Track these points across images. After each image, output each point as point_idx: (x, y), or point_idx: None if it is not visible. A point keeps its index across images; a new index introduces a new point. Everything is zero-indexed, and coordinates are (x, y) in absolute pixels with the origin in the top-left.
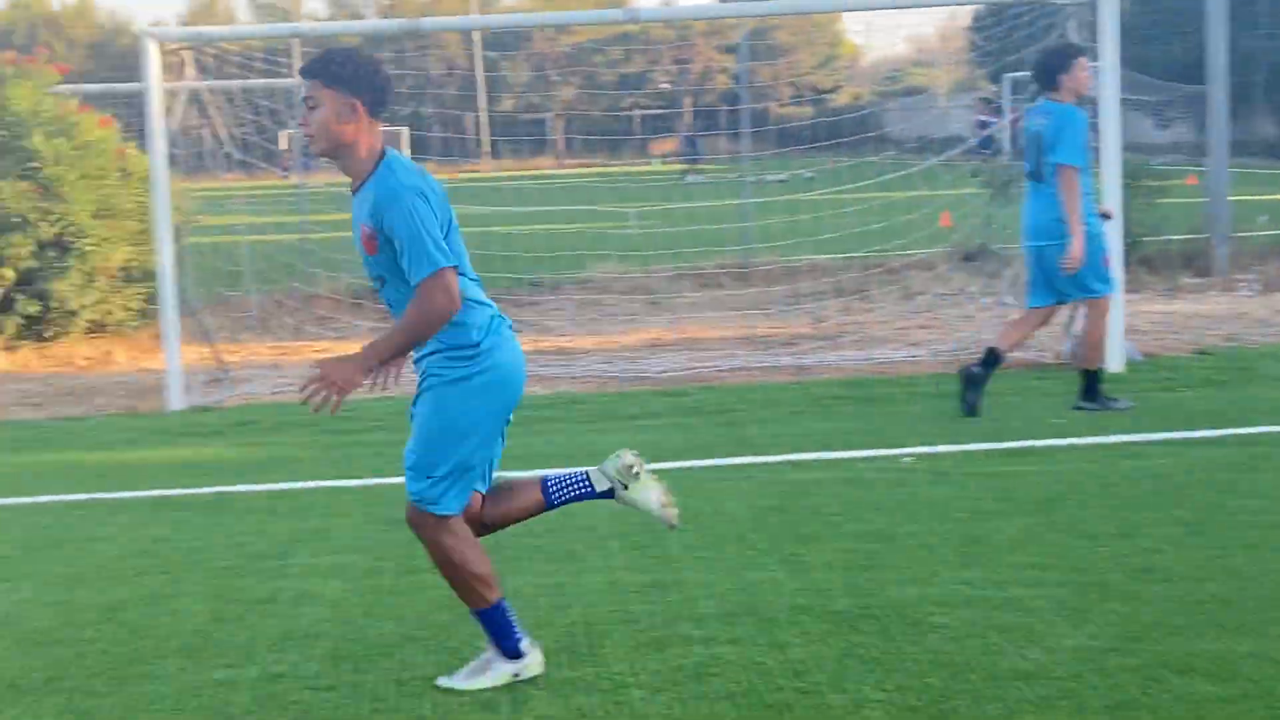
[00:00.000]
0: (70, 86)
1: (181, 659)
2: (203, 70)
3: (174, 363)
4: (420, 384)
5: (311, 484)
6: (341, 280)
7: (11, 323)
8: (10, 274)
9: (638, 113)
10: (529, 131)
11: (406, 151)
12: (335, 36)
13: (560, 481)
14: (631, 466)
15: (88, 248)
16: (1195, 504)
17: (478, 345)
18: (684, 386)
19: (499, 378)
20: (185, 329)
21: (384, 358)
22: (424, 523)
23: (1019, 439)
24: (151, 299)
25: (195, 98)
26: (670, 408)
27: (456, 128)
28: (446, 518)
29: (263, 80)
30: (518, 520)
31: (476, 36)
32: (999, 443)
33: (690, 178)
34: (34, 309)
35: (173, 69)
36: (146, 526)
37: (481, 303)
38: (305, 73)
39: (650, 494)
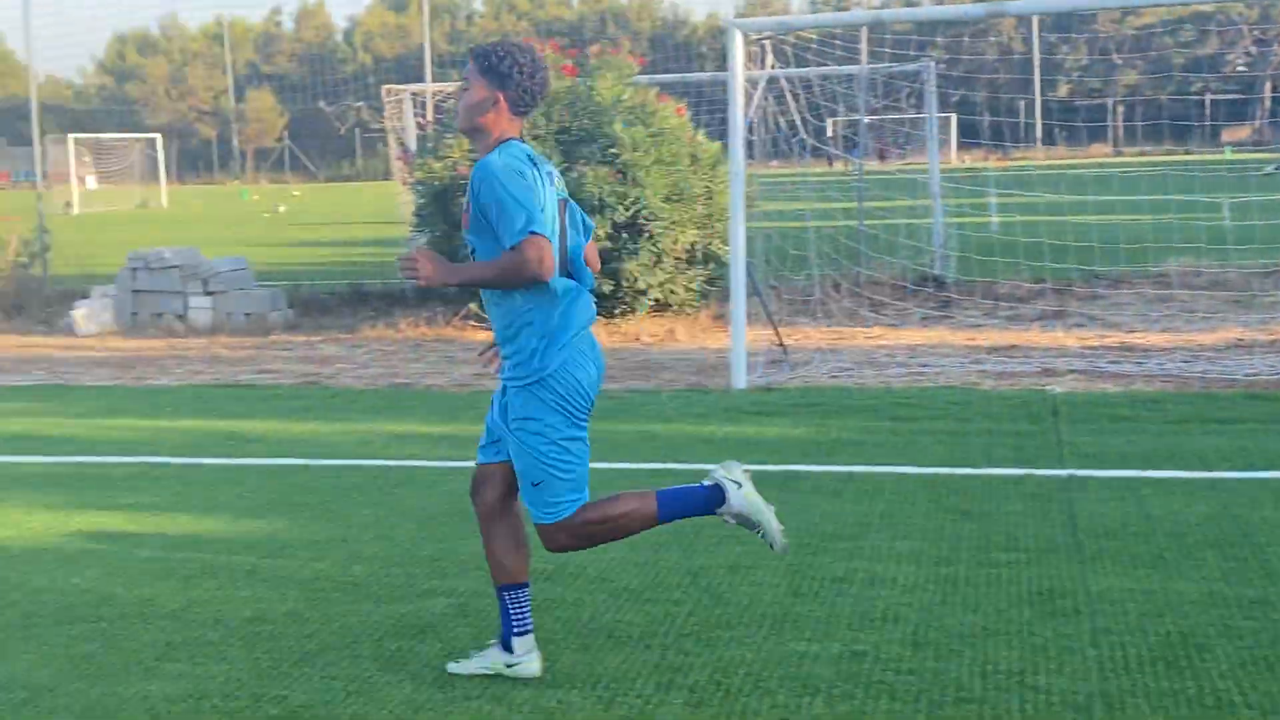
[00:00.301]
0: (647, 76)
1: (764, 628)
2: (780, 59)
3: (739, 342)
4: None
5: (878, 468)
6: (897, 266)
7: None
8: None
9: (1209, 97)
10: (1085, 118)
11: (953, 137)
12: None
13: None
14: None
15: (658, 230)
16: None
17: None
18: (1278, 391)
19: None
20: (749, 310)
21: (460, 281)
22: (554, 538)
23: None
24: (712, 281)
25: (771, 85)
26: (1265, 413)
27: (1008, 113)
28: (563, 520)
29: (834, 68)
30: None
31: (1034, 20)
32: None
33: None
34: (607, 287)
35: (753, 58)
36: None
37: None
38: (471, 53)
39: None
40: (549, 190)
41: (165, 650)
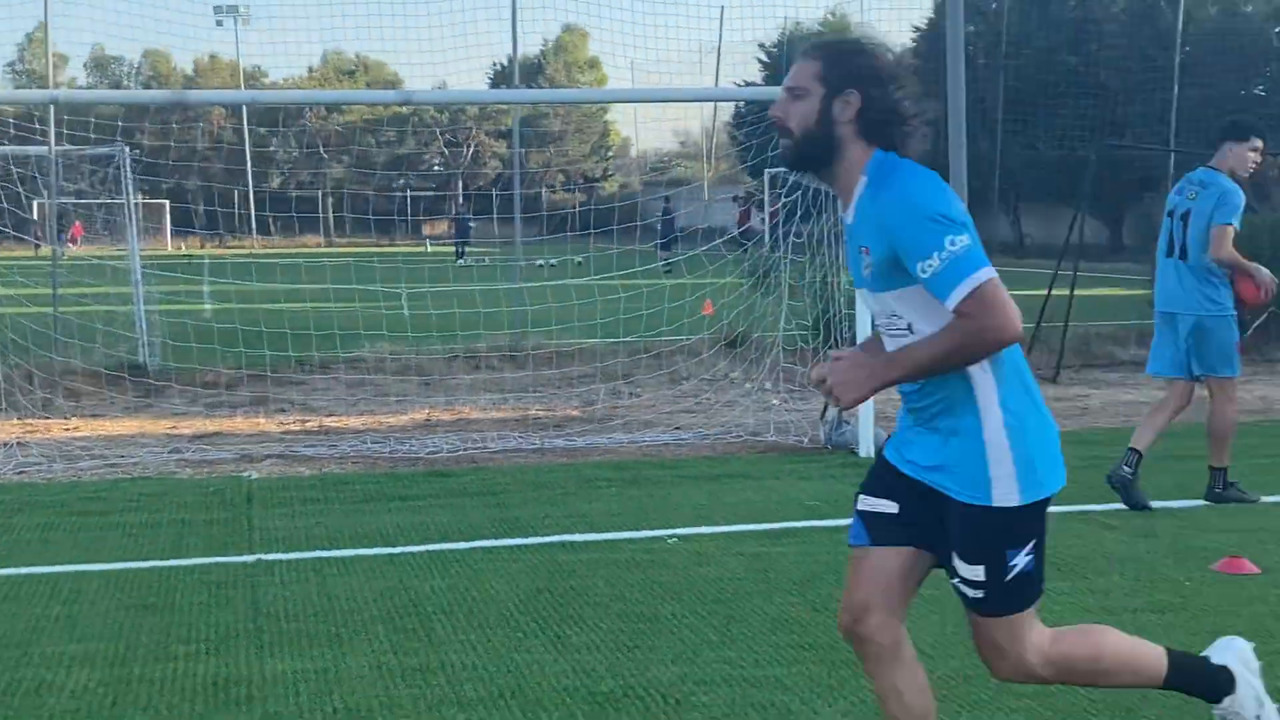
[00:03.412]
0: None
1: None
2: None
3: None
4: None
5: (56, 568)
6: (97, 354)
7: None
8: None
9: (409, 193)
10: (299, 209)
11: (167, 225)
12: (94, 105)
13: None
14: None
15: None
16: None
17: None
18: (455, 468)
19: None
20: None
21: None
22: None
23: (778, 520)
24: None
25: None
26: (439, 489)
27: (222, 202)
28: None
29: (15, 148)
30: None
31: (245, 112)
32: (758, 524)
33: (462, 259)
34: None
35: None
36: None
37: None
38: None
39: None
40: None
41: None
